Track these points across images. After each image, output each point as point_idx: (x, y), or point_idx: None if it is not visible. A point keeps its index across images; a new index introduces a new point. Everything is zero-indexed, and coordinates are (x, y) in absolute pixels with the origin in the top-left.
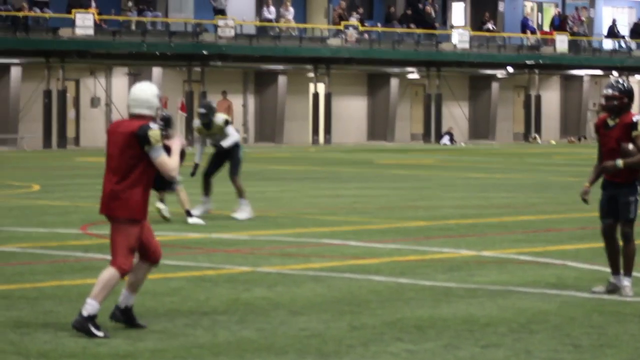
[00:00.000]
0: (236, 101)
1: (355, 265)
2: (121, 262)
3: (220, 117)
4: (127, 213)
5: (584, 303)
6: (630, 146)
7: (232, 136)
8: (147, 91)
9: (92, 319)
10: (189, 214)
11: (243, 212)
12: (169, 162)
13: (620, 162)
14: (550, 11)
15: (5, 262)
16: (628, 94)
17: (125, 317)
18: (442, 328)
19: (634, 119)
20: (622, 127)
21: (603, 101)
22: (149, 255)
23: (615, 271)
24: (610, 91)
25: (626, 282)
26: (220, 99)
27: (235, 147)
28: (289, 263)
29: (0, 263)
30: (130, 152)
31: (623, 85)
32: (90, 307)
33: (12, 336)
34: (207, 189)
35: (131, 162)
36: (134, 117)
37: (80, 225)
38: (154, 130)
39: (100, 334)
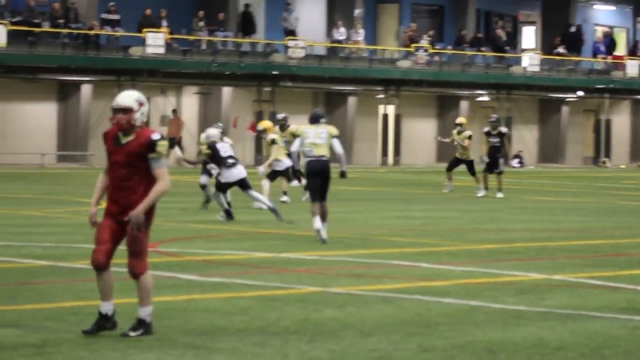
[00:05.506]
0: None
1: (425, 287)
2: None
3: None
4: None
5: None
6: None
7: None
8: (129, 97)
9: None
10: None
11: None
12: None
13: None
14: (622, 36)
15: (75, 279)
16: None
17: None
18: (512, 352)
19: None
20: None
21: None
22: None
23: None
24: None
25: None
26: (172, 117)
27: None
28: (358, 284)
29: (70, 279)
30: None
31: None
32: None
33: (82, 353)
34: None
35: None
36: None
37: (150, 243)
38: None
39: None
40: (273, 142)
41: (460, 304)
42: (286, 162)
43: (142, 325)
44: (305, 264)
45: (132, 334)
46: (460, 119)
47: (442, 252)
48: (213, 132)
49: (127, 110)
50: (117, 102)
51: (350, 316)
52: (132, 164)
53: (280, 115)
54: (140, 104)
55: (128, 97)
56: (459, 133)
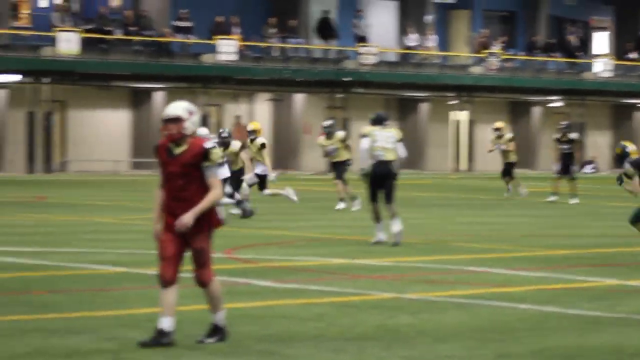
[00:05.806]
0: None
1: (500, 293)
2: None
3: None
4: None
5: None
6: None
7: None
8: (178, 107)
9: None
10: None
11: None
12: None
13: None
14: None
15: (150, 285)
16: None
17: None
18: (590, 357)
19: None
20: None
21: None
22: None
23: None
24: None
25: None
26: (235, 124)
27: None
28: (433, 290)
29: (145, 286)
30: None
31: None
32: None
33: (157, 359)
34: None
35: None
36: None
37: (225, 249)
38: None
39: None
40: (263, 146)
41: (536, 310)
42: (262, 168)
43: (216, 331)
44: (379, 270)
45: (207, 340)
46: (498, 124)
47: (516, 257)
48: (202, 132)
49: (178, 120)
50: (166, 113)
51: (425, 322)
52: (188, 174)
53: (326, 123)
54: (190, 113)
55: (177, 107)
56: (499, 137)
